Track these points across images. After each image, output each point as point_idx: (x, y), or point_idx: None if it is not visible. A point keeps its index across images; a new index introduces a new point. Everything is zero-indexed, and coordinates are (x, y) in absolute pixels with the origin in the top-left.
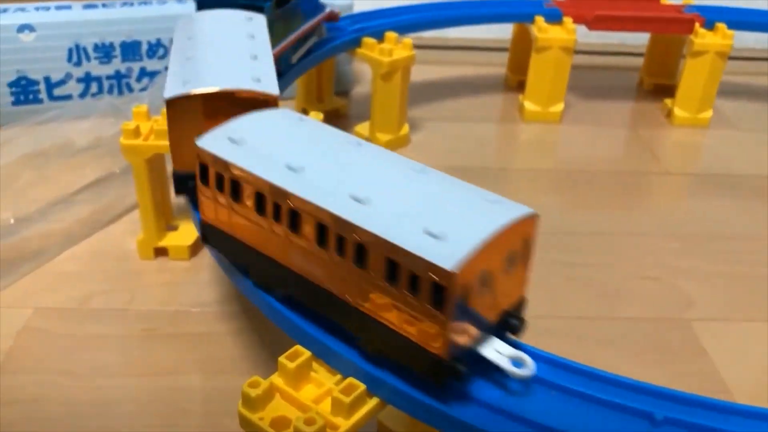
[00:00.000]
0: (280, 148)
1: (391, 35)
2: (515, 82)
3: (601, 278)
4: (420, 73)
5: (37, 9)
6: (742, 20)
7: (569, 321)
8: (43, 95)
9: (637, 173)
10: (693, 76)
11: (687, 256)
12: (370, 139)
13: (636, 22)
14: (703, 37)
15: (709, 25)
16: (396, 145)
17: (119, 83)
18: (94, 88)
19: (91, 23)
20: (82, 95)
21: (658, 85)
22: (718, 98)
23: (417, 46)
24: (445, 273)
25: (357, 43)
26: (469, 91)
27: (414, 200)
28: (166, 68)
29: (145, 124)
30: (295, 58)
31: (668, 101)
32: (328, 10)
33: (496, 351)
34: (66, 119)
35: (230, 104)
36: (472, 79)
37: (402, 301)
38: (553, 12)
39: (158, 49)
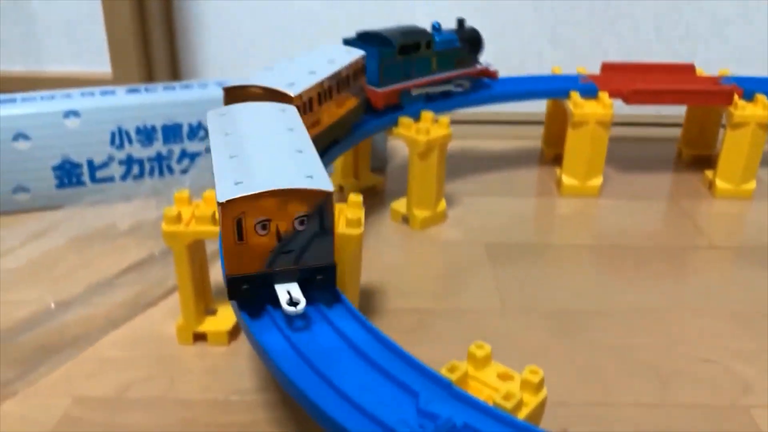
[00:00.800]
0: (235, 123)
1: (427, 114)
2: (551, 156)
3: (652, 360)
4: (456, 148)
5: (82, 95)
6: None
7: (622, 408)
8: (85, 178)
9: (681, 247)
10: (734, 147)
11: (741, 336)
12: (408, 215)
13: (674, 95)
14: (743, 109)
15: (748, 96)
16: (433, 221)
17: (160, 165)
18: (135, 169)
19: (134, 107)
20: (124, 177)
21: (696, 156)
22: (761, 168)
23: (452, 122)
24: (218, 204)
25: (394, 122)
26: (505, 165)
27: (261, 164)
28: (207, 149)
29: (187, 209)
30: (415, 92)
31: (709, 173)
32: (480, 66)
33: (286, 290)
34: (110, 202)
35: (250, 97)
36: (507, 152)
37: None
38: (588, 87)
39: (198, 131)
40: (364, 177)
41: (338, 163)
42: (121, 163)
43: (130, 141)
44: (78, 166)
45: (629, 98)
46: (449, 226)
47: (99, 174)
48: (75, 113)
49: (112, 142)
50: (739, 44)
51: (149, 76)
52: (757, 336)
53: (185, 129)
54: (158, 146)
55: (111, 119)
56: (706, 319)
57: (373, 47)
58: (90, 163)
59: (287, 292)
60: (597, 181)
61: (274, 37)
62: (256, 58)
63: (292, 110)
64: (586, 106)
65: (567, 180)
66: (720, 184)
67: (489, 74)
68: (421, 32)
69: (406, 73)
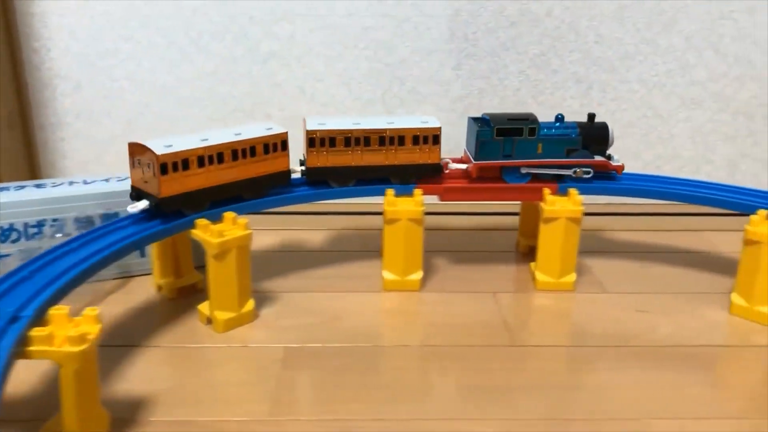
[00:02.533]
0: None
1: (229, 215)
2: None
3: None
4: (286, 240)
5: None
6: (595, 186)
7: None
8: None
9: (482, 345)
10: (549, 241)
11: None
12: (210, 317)
13: (486, 192)
14: (552, 204)
15: (563, 190)
16: (239, 322)
17: None
18: None
19: None
20: None
21: (532, 246)
22: (590, 257)
23: (286, 213)
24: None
25: (191, 224)
26: (336, 259)
27: (174, 139)
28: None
29: None
30: (524, 170)
31: (533, 265)
32: (600, 158)
33: (144, 201)
34: None
35: None
36: (341, 244)
37: None
38: (404, 186)
39: (10, 233)
40: (187, 275)
41: (156, 260)
42: None
43: None
44: None
45: (443, 196)
46: (255, 327)
47: None
48: None
49: None
50: None
51: None
52: None
53: None
54: None
55: None
56: (479, 427)
57: (476, 127)
58: None
59: (144, 202)
60: (417, 275)
61: (134, 131)
62: (117, 154)
63: (276, 129)
64: (398, 204)
65: (387, 275)
66: (540, 277)
67: (609, 167)
68: (527, 120)
69: (506, 152)
